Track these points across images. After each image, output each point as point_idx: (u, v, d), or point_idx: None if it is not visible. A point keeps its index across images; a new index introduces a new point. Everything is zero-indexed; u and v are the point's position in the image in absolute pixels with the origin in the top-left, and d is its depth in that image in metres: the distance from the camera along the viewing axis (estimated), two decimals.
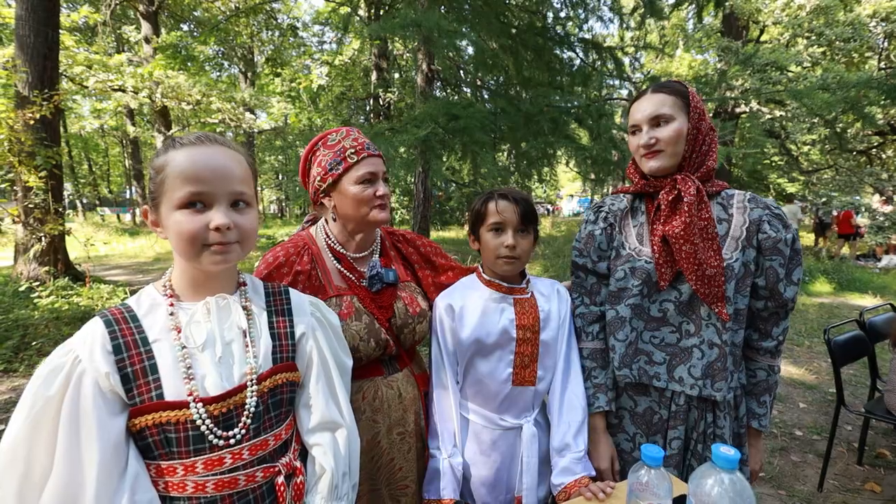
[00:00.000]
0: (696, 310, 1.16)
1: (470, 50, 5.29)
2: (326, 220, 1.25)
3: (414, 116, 3.40)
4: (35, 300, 5.40)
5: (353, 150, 1.16)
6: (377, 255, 1.27)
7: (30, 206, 6.25)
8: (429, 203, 5.02)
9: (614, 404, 1.26)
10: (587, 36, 4.84)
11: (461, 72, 5.32)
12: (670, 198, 1.15)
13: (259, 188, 26.88)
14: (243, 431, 0.80)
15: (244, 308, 0.87)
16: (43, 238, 6.58)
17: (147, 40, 13.83)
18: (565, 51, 4.65)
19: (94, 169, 26.49)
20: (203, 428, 0.76)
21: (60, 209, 6.80)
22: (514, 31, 4.05)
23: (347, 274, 1.20)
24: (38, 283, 6.17)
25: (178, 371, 0.77)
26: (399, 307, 1.22)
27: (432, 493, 1.20)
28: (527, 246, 1.22)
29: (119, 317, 0.79)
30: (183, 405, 0.75)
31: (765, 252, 1.13)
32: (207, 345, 0.80)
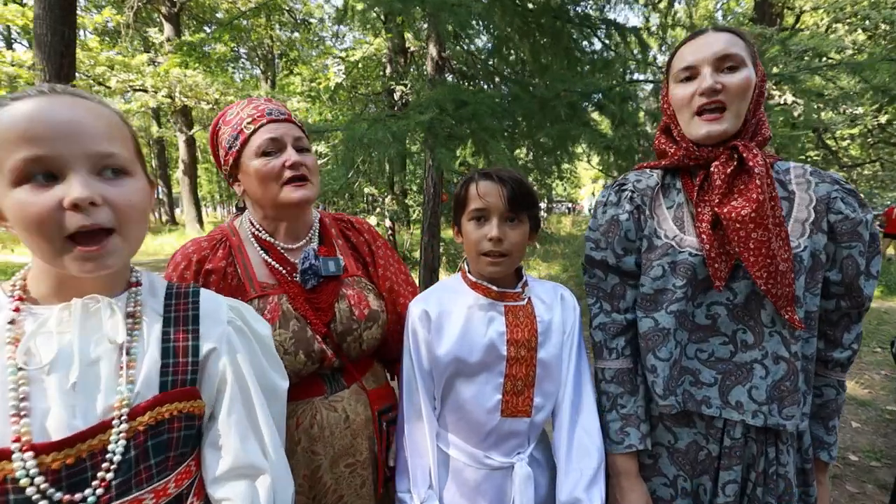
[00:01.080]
0: (754, 314, 0.88)
1: (483, 40, 5.02)
2: (250, 208, 1.03)
3: (419, 102, 3.15)
4: None
5: (249, 119, 0.94)
6: (314, 244, 1.03)
7: None
8: (439, 199, 4.75)
9: (650, 440, 0.97)
10: (610, 16, 4.51)
11: (473, 60, 5.05)
12: (727, 170, 0.87)
13: None
14: (101, 491, 0.56)
15: (130, 315, 0.64)
16: None
17: (169, 41, 14.01)
18: (585, 34, 4.32)
19: None
20: (30, 490, 0.52)
21: None
22: (530, 10, 3.75)
23: (277, 267, 0.97)
24: None
25: (6, 404, 0.53)
26: (341, 308, 0.98)
27: None
28: (517, 239, 0.95)
29: None
30: (3, 455, 0.52)
31: (840, 238, 0.88)
32: (57, 366, 0.57)
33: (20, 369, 0.55)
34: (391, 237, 9.27)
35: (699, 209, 0.91)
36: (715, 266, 0.87)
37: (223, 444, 0.68)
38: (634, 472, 0.96)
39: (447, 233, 7.83)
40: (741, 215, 0.83)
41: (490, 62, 4.78)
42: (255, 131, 0.94)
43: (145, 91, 12.24)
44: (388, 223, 9.50)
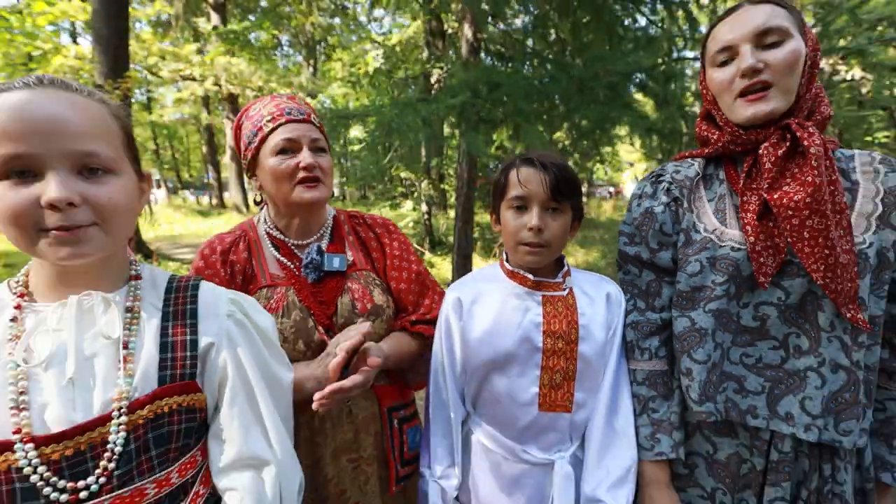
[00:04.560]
0: (810, 317, 0.80)
1: (519, 19, 4.83)
2: (266, 203, 1.06)
3: (451, 85, 3.08)
4: None
5: (269, 117, 0.95)
6: (325, 241, 1.03)
7: None
8: (473, 184, 4.68)
9: (683, 449, 0.90)
10: None
11: (510, 40, 4.89)
12: (779, 153, 0.78)
13: None
14: (103, 480, 0.56)
15: (128, 310, 0.64)
16: None
17: (216, 30, 14.44)
18: (629, 10, 4.07)
19: (175, 155, 28.75)
20: (34, 478, 0.54)
21: None
22: None
23: (286, 262, 0.99)
24: None
25: (5, 398, 0.54)
26: (344, 302, 0.98)
27: None
28: (559, 229, 0.91)
29: None
30: (6, 446, 0.54)
31: None
32: (54, 361, 0.57)
33: (18, 365, 0.56)
34: (427, 222, 9.27)
35: (745, 198, 0.82)
36: (760, 260, 0.78)
37: (226, 437, 0.68)
38: (665, 481, 0.90)
39: (481, 217, 7.74)
40: (794, 201, 0.74)
41: (528, 42, 4.61)
42: (273, 130, 0.95)
43: (194, 80, 12.74)
44: (424, 208, 9.51)
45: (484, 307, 0.97)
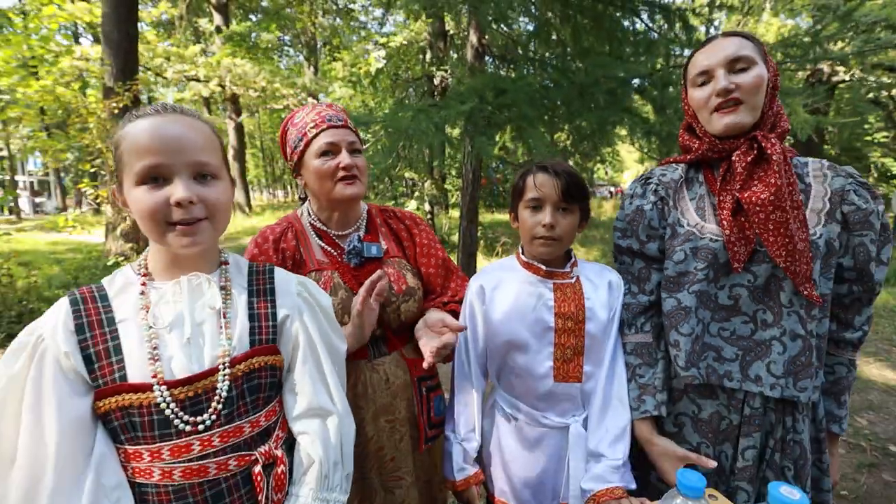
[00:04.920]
0: (774, 295, 0.96)
1: (524, 25, 4.99)
2: (309, 198, 1.22)
3: (459, 91, 3.24)
4: None
5: (312, 124, 1.11)
6: (361, 231, 1.19)
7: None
8: (478, 184, 4.84)
9: (666, 409, 1.07)
10: None
11: (514, 45, 5.05)
12: (748, 159, 0.95)
13: None
14: (213, 417, 0.73)
15: (222, 288, 0.80)
16: (128, 217, 7.19)
17: (218, 30, 14.57)
18: (628, 16, 4.23)
19: None
20: (168, 412, 0.70)
21: None
22: None
23: (329, 249, 1.15)
24: (123, 259, 6.77)
25: (144, 352, 0.71)
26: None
27: (447, 474, 1.16)
28: (568, 226, 1.08)
29: (87, 296, 0.74)
30: (146, 388, 0.69)
31: (853, 227, 0.96)
32: (175, 325, 0.74)
33: (150, 327, 0.73)
34: (430, 221, 9.43)
35: (721, 198, 0.99)
36: (734, 249, 0.95)
37: (299, 390, 0.84)
38: (649, 433, 1.06)
39: (482, 217, 7.88)
40: (760, 199, 0.91)
41: (530, 46, 4.77)
42: (316, 135, 1.10)
43: (198, 80, 12.88)
44: (427, 207, 9.67)
45: (504, 293, 1.13)
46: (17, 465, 0.65)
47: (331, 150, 1.10)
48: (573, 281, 1.12)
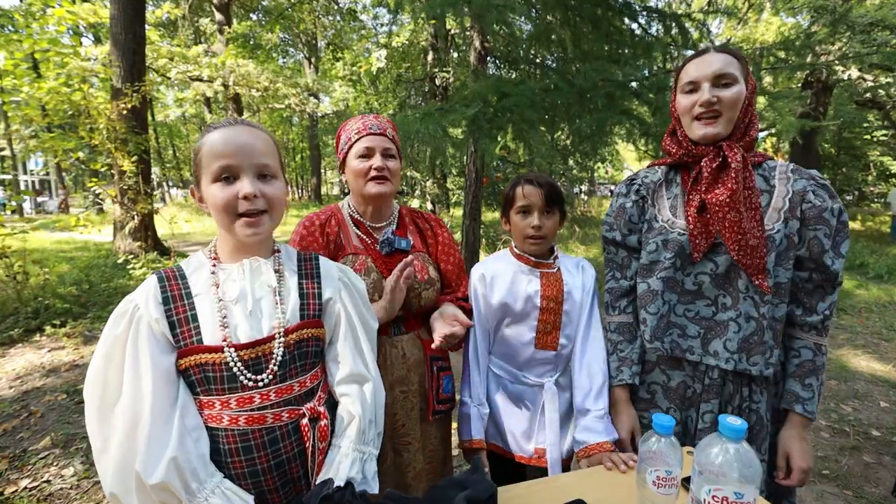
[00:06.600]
0: (733, 282, 1.12)
1: (525, 26, 5.12)
2: (350, 193, 1.40)
3: (464, 95, 3.39)
4: (130, 271, 6.11)
5: (356, 131, 1.29)
6: (393, 226, 1.38)
7: (124, 187, 6.96)
8: (480, 184, 4.99)
9: (642, 378, 1.25)
10: (651, 3, 4.52)
11: (516, 48, 5.18)
12: (714, 165, 1.11)
13: (322, 170, 28.19)
14: (270, 376, 0.89)
15: (276, 271, 0.96)
16: (135, 216, 7.34)
17: (220, 31, 14.70)
18: (626, 21, 4.36)
19: (177, 154, 28.98)
20: (235, 370, 0.86)
21: (149, 190, 7.53)
22: (571, 2, 3.87)
23: (364, 238, 1.33)
24: (132, 257, 6.94)
25: (215, 320, 0.87)
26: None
27: (465, 435, 1.34)
28: (552, 226, 1.31)
29: (170, 274, 0.91)
30: (218, 349, 0.85)
31: (808, 222, 1.08)
32: (240, 299, 0.90)
33: (220, 300, 0.88)
34: None
35: (689, 197, 1.15)
36: (696, 242, 1.11)
37: (341, 360, 1.00)
38: (625, 399, 1.25)
39: (486, 216, 8.02)
40: (719, 200, 1.07)
41: (532, 48, 4.91)
42: (357, 140, 1.28)
43: (202, 80, 13.02)
44: (429, 206, 9.82)
45: (500, 279, 1.34)
46: (121, 406, 0.81)
47: (367, 154, 1.27)
48: (555, 270, 1.34)
